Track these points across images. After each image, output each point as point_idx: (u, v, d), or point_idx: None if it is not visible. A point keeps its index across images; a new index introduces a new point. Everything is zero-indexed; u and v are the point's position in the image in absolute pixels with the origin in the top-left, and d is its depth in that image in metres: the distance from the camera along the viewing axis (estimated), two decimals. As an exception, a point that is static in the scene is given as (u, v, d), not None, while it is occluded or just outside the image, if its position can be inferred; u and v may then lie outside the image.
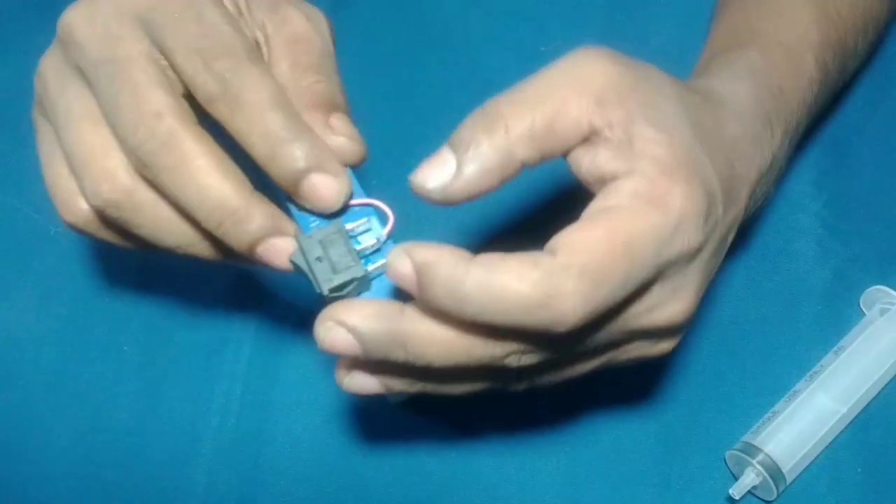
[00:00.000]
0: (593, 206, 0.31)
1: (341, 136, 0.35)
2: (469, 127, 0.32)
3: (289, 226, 0.34)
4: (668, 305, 0.32)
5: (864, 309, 0.47)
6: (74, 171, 0.35)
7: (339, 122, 0.35)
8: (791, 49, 0.43)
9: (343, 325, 0.31)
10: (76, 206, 0.36)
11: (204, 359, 0.47)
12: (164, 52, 0.34)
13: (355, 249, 0.34)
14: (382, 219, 0.36)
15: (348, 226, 0.35)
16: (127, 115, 0.33)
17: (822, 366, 0.45)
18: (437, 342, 0.31)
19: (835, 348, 0.45)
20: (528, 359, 0.32)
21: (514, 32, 0.57)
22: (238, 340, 0.47)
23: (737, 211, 0.35)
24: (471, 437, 0.45)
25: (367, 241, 0.35)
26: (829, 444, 0.43)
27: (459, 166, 0.31)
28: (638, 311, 0.32)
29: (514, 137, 0.31)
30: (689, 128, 0.32)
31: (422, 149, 0.45)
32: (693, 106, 0.34)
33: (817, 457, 0.43)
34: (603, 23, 0.57)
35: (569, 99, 0.31)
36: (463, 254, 0.30)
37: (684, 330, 0.35)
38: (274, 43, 0.36)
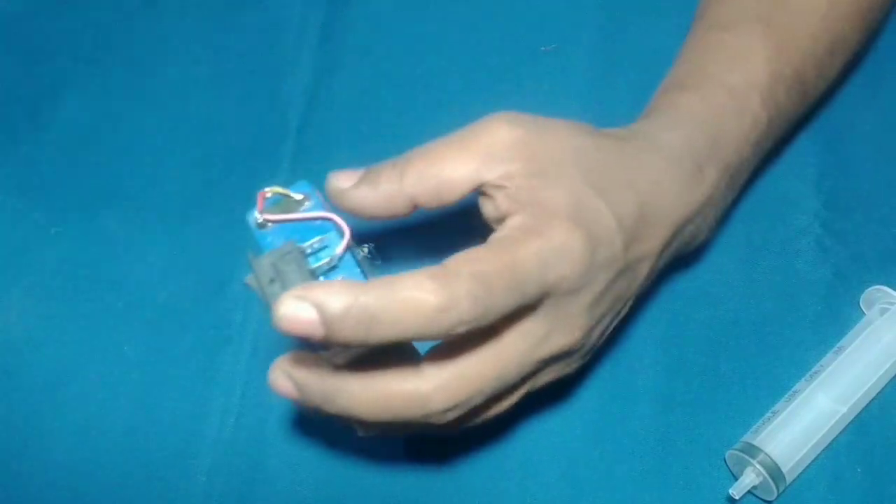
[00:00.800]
0: (489, 239, 0.35)
1: None
2: (388, 162, 0.37)
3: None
4: (561, 329, 0.36)
5: (864, 309, 0.47)
6: None
7: None
8: (735, 92, 0.44)
9: (287, 376, 0.35)
10: None
11: (204, 359, 0.47)
12: None
13: (308, 269, 0.34)
14: (340, 233, 0.35)
15: (306, 243, 0.35)
16: None
17: (822, 366, 0.45)
18: (363, 403, 0.34)
19: (835, 348, 0.45)
20: (454, 413, 0.35)
21: (513, 32, 0.57)
22: (238, 340, 0.47)
23: (648, 248, 0.39)
24: (471, 437, 0.45)
25: (324, 258, 0.35)
26: (829, 444, 0.43)
27: (359, 183, 0.37)
28: (537, 339, 0.35)
29: (406, 182, 0.36)
30: (580, 175, 0.36)
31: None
32: (595, 152, 0.38)
33: (817, 457, 0.43)
34: (603, 23, 0.57)
35: (458, 160, 0.36)
36: (354, 283, 0.31)
37: (585, 352, 0.39)
38: None
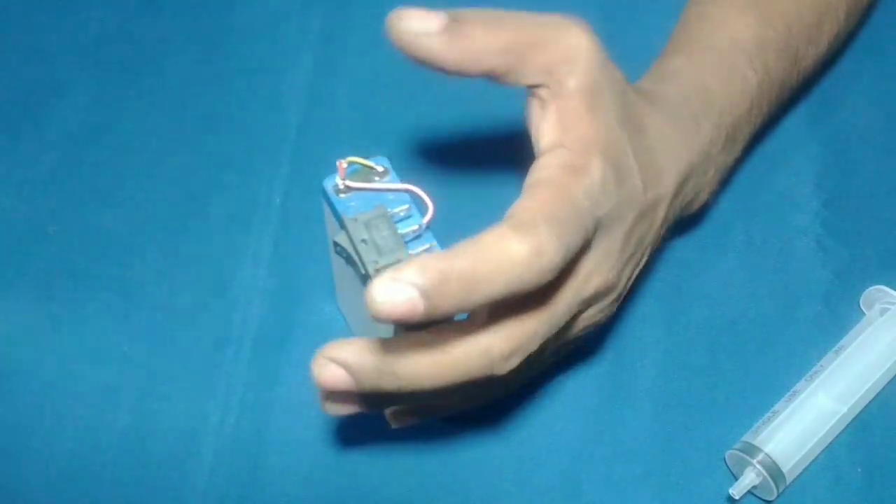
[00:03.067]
0: (531, 179, 0.35)
1: None
2: (474, 14, 0.34)
3: None
4: (600, 267, 0.37)
5: (864, 309, 0.47)
6: None
7: None
8: (721, 51, 0.46)
9: (335, 361, 0.34)
10: None
11: (204, 359, 0.47)
12: None
13: (399, 233, 0.35)
14: (419, 205, 0.37)
15: (393, 210, 0.36)
16: None
17: (822, 366, 0.45)
18: (428, 368, 0.33)
19: (835, 348, 0.45)
20: (514, 361, 0.34)
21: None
22: (238, 340, 0.47)
23: (658, 194, 0.39)
24: (471, 437, 0.45)
25: (407, 227, 0.35)
26: (829, 444, 0.43)
27: (444, 32, 0.33)
28: (580, 280, 0.36)
29: (495, 45, 0.34)
30: (616, 111, 0.37)
31: (421, 147, 0.45)
32: (625, 94, 0.38)
33: (817, 457, 0.43)
34: (602, 23, 0.57)
35: (546, 46, 0.35)
36: (439, 254, 0.31)
37: (616, 294, 0.39)
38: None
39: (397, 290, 0.29)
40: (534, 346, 0.35)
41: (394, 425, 0.41)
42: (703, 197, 0.45)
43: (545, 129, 0.36)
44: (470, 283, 0.30)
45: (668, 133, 0.41)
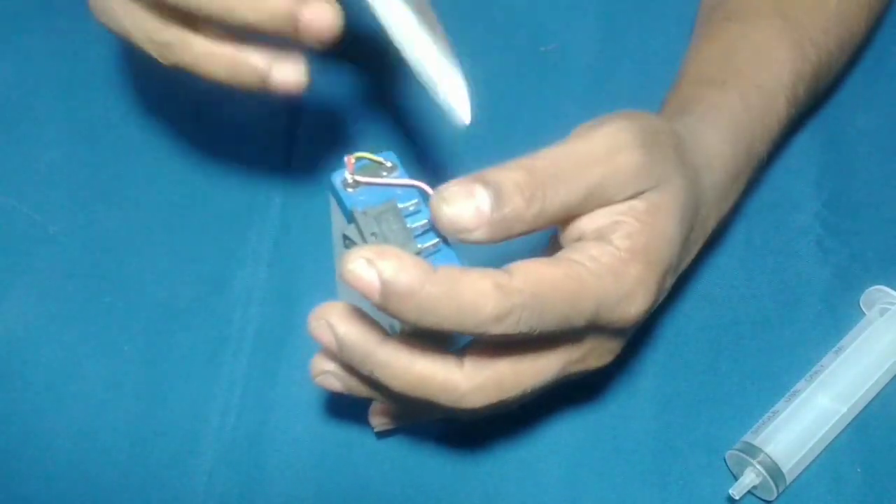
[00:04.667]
0: (559, 254, 0.35)
1: None
2: (511, 185, 0.33)
3: None
4: (598, 354, 0.37)
5: (864, 309, 0.47)
6: None
7: None
8: (767, 92, 0.45)
9: (331, 327, 0.34)
10: None
11: (204, 359, 0.47)
12: None
13: (409, 227, 0.35)
14: (427, 200, 0.36)
15: (403, 205, 0.36)
16: None
17: (822, 366, 0.45)
18: (400, 377, 0.34)
19: (835, 348, 0.45)
20: (484, 411, 0.35)
21: (514, 32, 0.57)
22: (238, 340, 0.47)
23: (689, 259, 0.40)
24: (471, 437, 0.45)
25: (416, 222, 0.35)
26: (829, 444, 0.43)
27: (493, 211, 0.33)
28: (573, 360, 0.36)
29: (549, 210, 0.34)
30: (678, 213, 0.36)
31: (421, 148, 0.45)
32: (689, 193, 0.37)
33: (817, 457, 0.43)
34: (602, 24, 0.57)
35: (604, 184, 0.34)
36: (424, 265, 0.31)
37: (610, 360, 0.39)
38: None
39: (367, 272, 0.31)
40: (507, 404, 0.36)
41: (376, 429, 0.42)
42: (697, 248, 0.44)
43: (588, 221, 0.35)
44: (428, 310, 0.31)
45: (707, 193, 0.40)
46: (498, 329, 0.32)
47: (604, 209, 0.35)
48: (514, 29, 0.57)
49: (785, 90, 0.45)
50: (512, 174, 0.33)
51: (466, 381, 0.35)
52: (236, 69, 0.39)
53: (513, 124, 0.53)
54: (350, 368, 0.37)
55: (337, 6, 0.36)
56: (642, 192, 0.35)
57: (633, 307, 0.35)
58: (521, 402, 0.37)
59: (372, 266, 0.31)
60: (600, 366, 0.38)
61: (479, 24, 0.58)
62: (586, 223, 0.35)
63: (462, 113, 0.37)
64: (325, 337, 0.35)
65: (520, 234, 0.34)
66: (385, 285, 0.31)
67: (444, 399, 0.35)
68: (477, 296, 0.32)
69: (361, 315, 0.35)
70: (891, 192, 0.51)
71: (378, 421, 0.42)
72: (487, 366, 0.35)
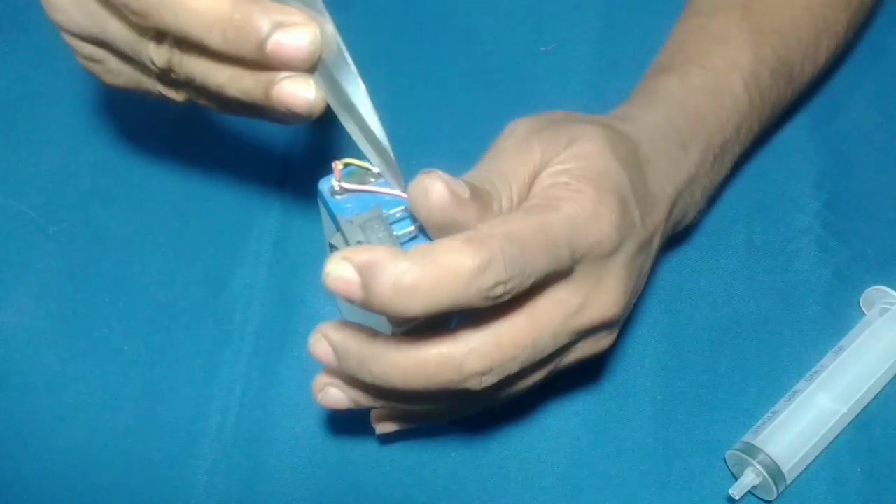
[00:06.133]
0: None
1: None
2: (484, 184, 0.36)
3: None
4: (597, 301, 0.36)
5: (864, 309, 0.47)
6: None
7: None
8: (716, 72, 0.46)
9: (327, 339, 0.35)
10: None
11: (204, 359, 0.47)
12: None
13: (395, 235, 0.35)
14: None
15: (389, 212, 0.36)
16: None
17: (822, 366, 0.45)
18: (399, 370, 0.34)
19: (835, 348, 0.45)
20: (490, 379, 0.35)
21: (513, 33, 0.57)
22: (238, 340, 0.47)
23: (656, 220, 0.40)
24: (470, 437, 0.45)
25: (403, 229, 0.35)
26: (829, 444, 0.43)
27: (469, 206, 0.35)
28: (572, 309, 0.36)
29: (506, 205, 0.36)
30: (610, 153, 0.38)
31: (421, 149, 0.45)
32: (612, 140, 0.39)
33: (817, 457, 0.43)
34: (603, 23, 0.57)
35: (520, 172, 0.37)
36: (395, 249, 0.32)
37: (617, 325, 0.39)
38: None
39: (345, 270, 0.31)
40: (511, 370, 0.35)
41: (378, 430, 0.42)
42: (690, 216, 0.45)
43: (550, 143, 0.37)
44: (410, 287, 0.31)
45: (654, 161, 0.41)
46: (485, 281, 0.32)
47: (543, 172, 0.37)
48: (514, 29, 0.57)
49: (741, 72, 0.46)
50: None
51: (461, 346, 0.34)
52: (239, 76, 0.37)
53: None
54: (352, 380, 0.37)
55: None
56: (564, 150, 0.37)
57: (602, 225, 0.35)
58: (527, 377, 0.37)
59: (346, 261, 0.31)
60: (609, 317, 0.37)
61: (479, 24, 0.58)
62: (535, 188, 0.37)
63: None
64: (323, 351, 0.35)
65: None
66: (361, 270, 0.31)
67: (446, 374, 0.34)
68: (453, 254, 0.32)
69: (354, 324, 0.35)
70: (891, 192, 0.51)
71: (382, 425, 0.42)
72: (480, 328, 0.34)
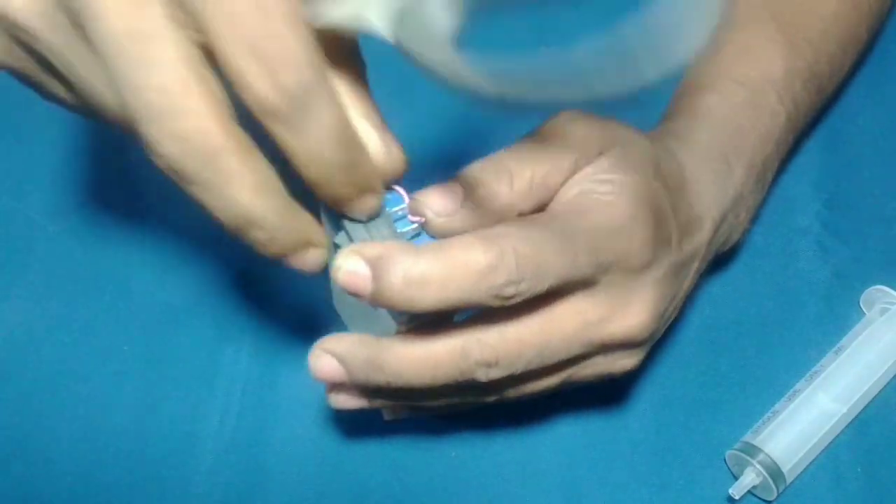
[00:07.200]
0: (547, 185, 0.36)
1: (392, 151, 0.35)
2: (478, 170, 0.35)
3: (320, 236, 0.34)
4: (618, 317, 0.35)
5: (864, 309, 0.47)
6: None
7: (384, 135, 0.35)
8: (753, 88, 0.45)
9: (330, 353, 0.35)
10: None
11: (204, 359, 0.47)
12: (200, 29, 0.28)
13: (399, 233, 0.35)
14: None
15: (393, 209, 0.35)
16: (147, 110, 0.29)
17: (822, 366, 0.45)
18: (409, 363, 0.34)
19: (835, 348, 0.45)
20: (496, 372, 0.34)
21: (514, 33, 0.57)
22: (238, 340, 0.47)
23: (697, 243, 0.39)
24: (471, 437, 0.45)
25: (405, 227, 0.35)
26: (829, 444, 0.43)
27: (462, 210, 0.35)
28: (590, 321, 0.35)
29: (516, 191, 0.35)
30: (652, 170, 0.37)
31: (421, 149, 0.45)
32: (657, 157, 0.38)
33: (817, 457, 0.43)
34: (602, 24, 0.57)
35: (559, 156, 0.35)
36: (408, 244, 0.32)
37: (644, 347, 0.38)
38: None
39: (355, 264, 0.31)
40: (518, 367, 0.35)
41: (386, 417, 0.42)
42: (735, 237, 0.45)
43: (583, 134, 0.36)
44: (420, 281, 0.31)
45: (701, 181, 0.40)
46: (497, 279, 0.31)
47: (573, 178, 0.36)
48: (514, 29, 0.57)
49: (775, 86, 0.45)
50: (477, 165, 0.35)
51: (468, 335, 0.34)
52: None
53: (512, 124, 0.53)
54: (365, 390, 0.37)
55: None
56: (602, 153, 0.36)
57: (633, 239, 0.34)
58: (534, 381, 0.37)
59: (357, 255, 0.31)
60: (633, 335, 0.35)
61: (479, 24, 0.57)
62: (562, 194, 0.36)
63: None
64: (328, 366, 0.35)
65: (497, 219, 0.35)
66: (372, 264, 0.31)
67: (454, 364, 0.34)
68: (465, 249, 0.31)
69: (353, 333, 0.36)
70: (891, 192, 0.51)
71: (388, 412, 0.42)
72: (490, 322, 0.34)
